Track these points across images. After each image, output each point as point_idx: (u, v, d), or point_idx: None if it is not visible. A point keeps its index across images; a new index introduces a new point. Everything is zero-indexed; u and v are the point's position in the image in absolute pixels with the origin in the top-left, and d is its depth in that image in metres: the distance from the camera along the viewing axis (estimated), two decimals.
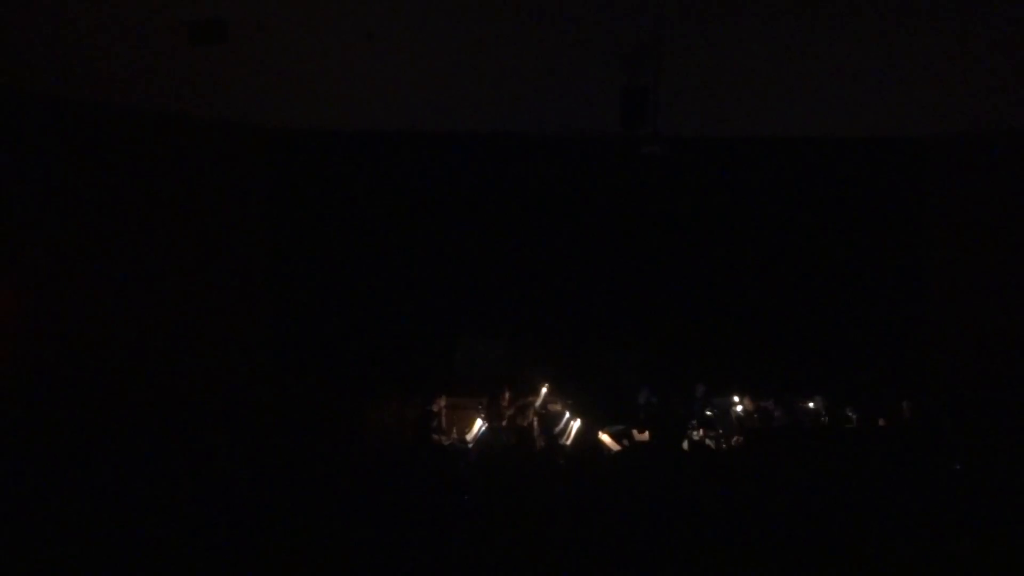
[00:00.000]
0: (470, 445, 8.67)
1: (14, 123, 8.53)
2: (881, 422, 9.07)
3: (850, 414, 9.24)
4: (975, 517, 6.31)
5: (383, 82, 8.76)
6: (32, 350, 8.58)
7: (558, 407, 9.34)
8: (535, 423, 8.83)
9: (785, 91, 8.96)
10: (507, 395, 9.31)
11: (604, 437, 8.55)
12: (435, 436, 8.73)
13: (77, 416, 8.52)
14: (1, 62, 7.91)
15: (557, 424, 8.89)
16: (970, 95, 8.96)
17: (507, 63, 8.23)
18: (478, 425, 8.87)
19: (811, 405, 9.52)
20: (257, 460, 7.77)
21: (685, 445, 8.48)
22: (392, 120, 10.10)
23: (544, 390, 9.55)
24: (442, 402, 9.14)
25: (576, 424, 8.74)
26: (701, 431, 9.04)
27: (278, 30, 7.50)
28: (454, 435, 9.07)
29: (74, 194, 8.99)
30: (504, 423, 8.91)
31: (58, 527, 6.02)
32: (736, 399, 9.57)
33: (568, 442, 8.58)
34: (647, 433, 8.64)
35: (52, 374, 8.65)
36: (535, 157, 10.93)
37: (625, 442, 8.54)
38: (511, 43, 7.82)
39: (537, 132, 10.67)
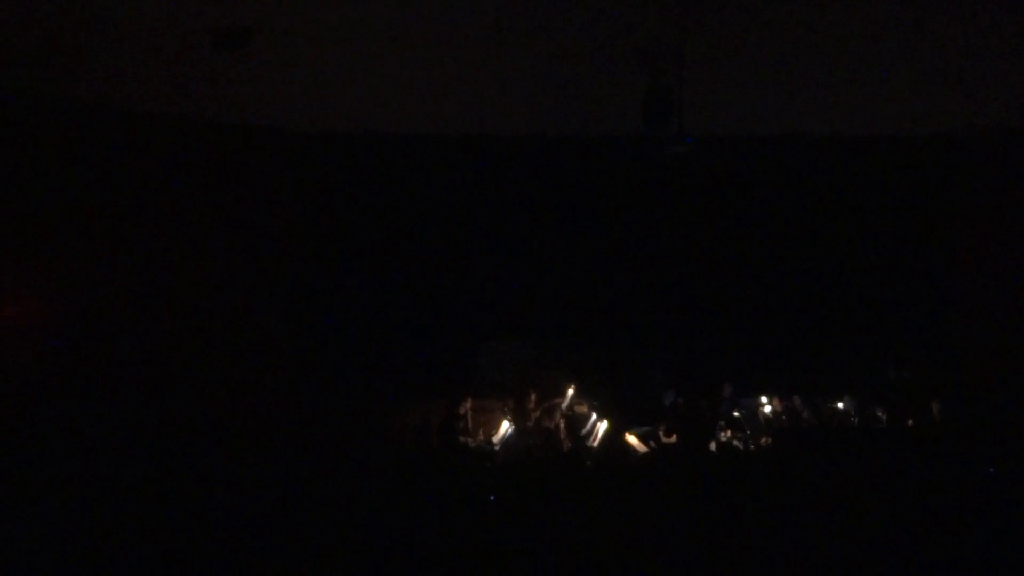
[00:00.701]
0: (497, 447, 8.73)
1: (44, 130, 8.66)
2: (910, 422, 9.08)
3: (879, 414, 9.24)
4: (1008, 520, 6.30)
5: (407, 86, 8.78)
6: (62, 353, 8.69)
7: (584, 409, 9.38)
8: (561, 425, 8.92)
9: (810, 89, 8.88)
10: (533, 397, 9.38)
11: (631, 439, 8.62)
12: (461, 438, 8.83)
13: (104, 418, 8.64)
14: (31, 71, 8.06)
15: (583, 426, 8.97)
16: (997, 92, 8.81)
17: (533, 67, 8.25)
18: (505, 427, 8.95)
19: (840, 405, 9.53)
20: (285, 462, 7.89)
21: (712, 447, 8.60)
22: (417, 124, 10.14)
23: (570, 392, 9.59)
24: (468, 404, 9.17)
25: (603, 426, 8.78)
26: (728, 432, 9.05)
27: (303, 36, 7.58)
28: (480, 437, 9.14)
29: (103, 199, 9.07)
30: (530, 425, 9.01)
31: (85, 529, 6.14)
32: (764, 400, 9.61)
33: (595, 444, 8.64)
34: (674, 435, 8.78)
35: (80, 377, 8.76)
36: (561, 159, 10.93)
37: (652, 444, 8.65)
38: (537, 47, 7.83)
39: (563, 134, 10.67)
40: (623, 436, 8.64)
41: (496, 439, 8.90)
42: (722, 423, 9.15)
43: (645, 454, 8.41)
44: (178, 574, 5.85)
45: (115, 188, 9.17)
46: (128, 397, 8.96)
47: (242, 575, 5.85)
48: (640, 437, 8.67)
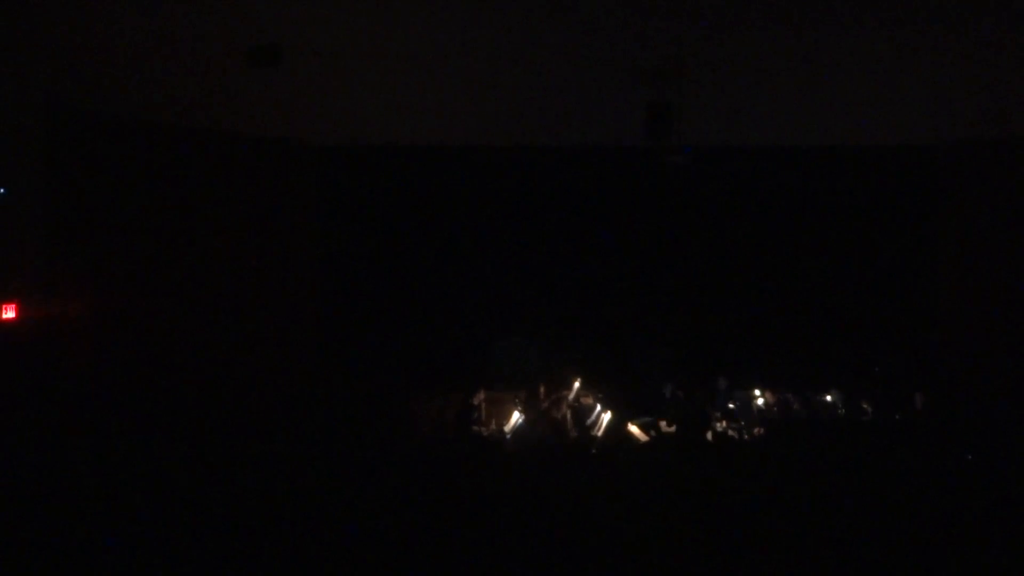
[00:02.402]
0: (508, 436, 9.11)
1: (84, 144, 9.04)
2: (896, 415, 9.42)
3: (865, 407, 9.60)
4: (986, 508, 6.48)
5: (423, 100, 9.21)
6: (108, 348, 9.19)
7: (590, 400, 9.74)
8: (568, 415, 9.24)
9: (802, 102, 9.33)
10: (543, 389, 9.76)
11: (633, 428, 8.96)
12: (475, 427, 9.24)
13: (144, 406, 9.06)
14: (73, 86, 8.44)
15: (589, 416, 9.31)
16: (983, 102, 9.22)
17: (544, 82, 8.71)
18: (515, 417, 9.31)
19: (828, 398, 9.85)
20: (308, 449, 8.27)
21: (709, 436, 8.83)
22: (432, 135, 10.56)
23: (576, 384, 9.95)
24: (482, 396, 9.59)
25: (607, 416, 9.14)
26: (724, 423, 9.39)
27: (325, 53, 7.99)
28: (493, 426, 9.52)
29: (141, 208, 9.50)
30: (540, 415, 9.28)
31: (125, 514, 6.47)
32: (757, 392, 9.90)
33: (599, 433, 8.98)
34: (673, 425, 9.10)
35: (124, 369, 9.26)
36: (568, 167, 11.31)
37: (652, 433, 8.97)
38: (547, 64, 8.28)
39: (570, 144, 11.07)
40: (626, 425, 8.99)
41: (507, 428, 9.28)
42: (718, 414, 9.50)
43: (646, 442, 8.73)
44: (197, 550, 6.14)
45: (154, 198, 9.60)
46: (165, 385, 9.40)
47: (264, 553, 5.91)
48: (641, 427, 8.97)
